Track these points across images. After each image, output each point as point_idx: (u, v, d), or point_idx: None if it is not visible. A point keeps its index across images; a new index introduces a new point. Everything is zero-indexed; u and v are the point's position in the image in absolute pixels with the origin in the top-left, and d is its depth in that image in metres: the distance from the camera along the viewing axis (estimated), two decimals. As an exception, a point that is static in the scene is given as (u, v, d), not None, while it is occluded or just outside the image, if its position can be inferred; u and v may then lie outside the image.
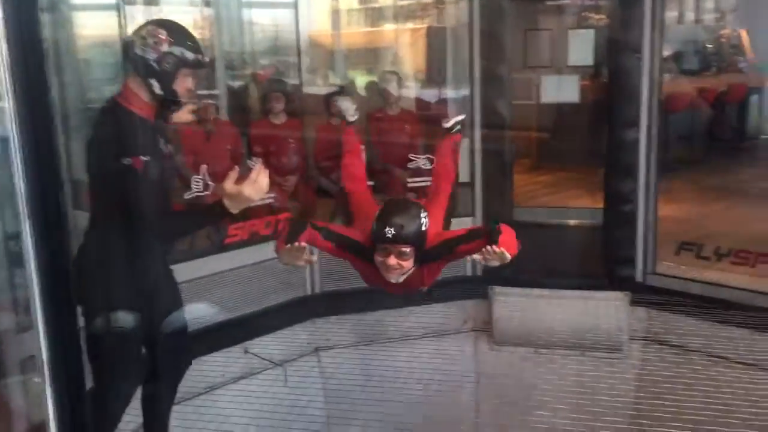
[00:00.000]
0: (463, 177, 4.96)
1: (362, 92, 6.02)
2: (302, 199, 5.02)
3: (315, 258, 2.70)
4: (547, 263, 4.62)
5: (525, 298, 4.62)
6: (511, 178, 4.93)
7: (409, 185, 5.02)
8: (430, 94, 5.96)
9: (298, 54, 5.07)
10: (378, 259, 2.49)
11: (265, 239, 4.36)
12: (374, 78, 6.04)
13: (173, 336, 2.58)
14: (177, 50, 2.40)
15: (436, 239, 2.58)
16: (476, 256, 2.42)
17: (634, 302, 4.45)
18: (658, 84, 4.51)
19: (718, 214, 5.28)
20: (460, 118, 3.66)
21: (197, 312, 3.84)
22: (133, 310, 2.42)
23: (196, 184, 4.26)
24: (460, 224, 4.87)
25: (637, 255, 4.63)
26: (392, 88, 5.25)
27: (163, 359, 2.56)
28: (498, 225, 2.50)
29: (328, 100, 5.33)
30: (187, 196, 4.24)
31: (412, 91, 6.18)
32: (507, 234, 2.46)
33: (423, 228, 2.46)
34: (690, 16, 6.52)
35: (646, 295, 4.53)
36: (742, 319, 4.17)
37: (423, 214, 2.50)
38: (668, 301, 4.45)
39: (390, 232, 2.39)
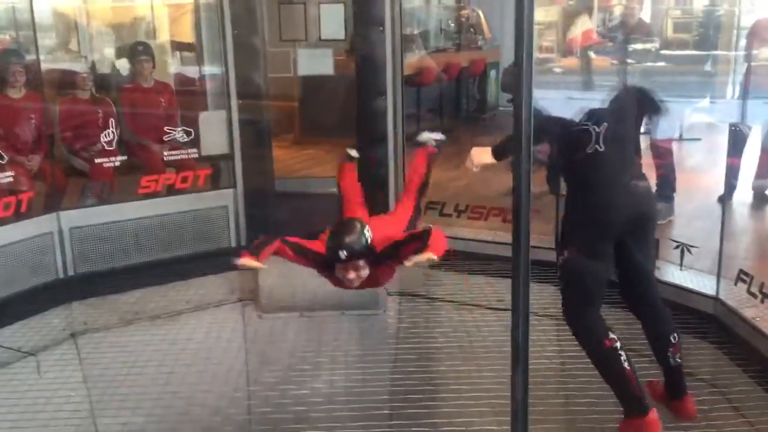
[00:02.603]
0: (223, 149, 4.99)
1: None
2: (48, 178, 4.69)
3: None
4: (309, 229, 4.78)
5: (289, 265, 4.74)
6: (270, 149, 5.01)
7: (167, 159, 4.92)
8: (190, 69, 5.86)
9: (33, 27, 4.65)
10: (338, 274, 2.87)
11: (5, 221, 4.05)
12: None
13: None
14: None
15: (386, 242, 2.88)
16: (407, 263, 2.72)
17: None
18: (400, 57, 4.85)
19: (460, 177, 5.83)
20: (438, 137, 3.78)
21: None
22: None
23: None
24: (221, 196, 4.95)
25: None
26: (146, 61, 5.12)
27: None
28: (429, 230, 2.82)
29: (72, 73, 5.04)
30: None
31: (171, 66, 6.05)
32: (436, 238, 2.74)
33: (368, 241, 2.81)
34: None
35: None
36: (479, 267, 4.70)
37: (365, 229, 2.85)
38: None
39: (343, 254, 2.76)
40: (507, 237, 4.26)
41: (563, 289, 2.94)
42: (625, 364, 2.69)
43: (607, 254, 2.82)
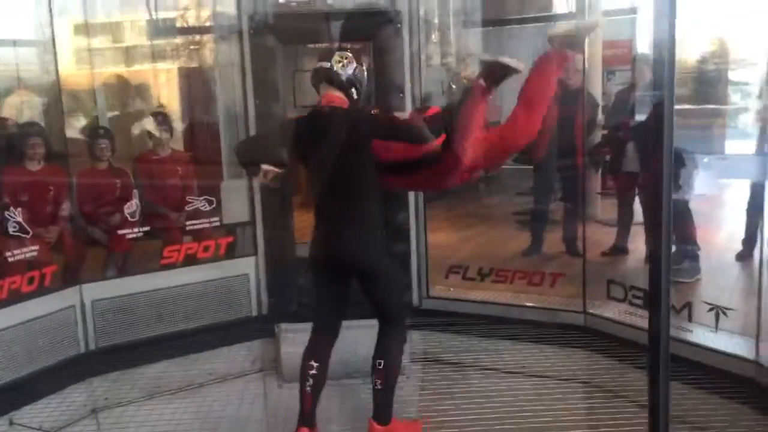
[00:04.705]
0: (243, 216, 4.97)
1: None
2: (68, 250, 4.64)
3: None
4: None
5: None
6: (291, 215, 5.00)
7: (188, 228, 4.89)
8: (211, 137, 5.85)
9: (59, 94, 4.66)
10: None
11: (28, 296, 3.98)
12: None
13: None
14: None
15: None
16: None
17: (412, 326, 4.71)
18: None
19: (474, 238, 5.83)
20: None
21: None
22: None
23: None
24: (242, 264, 4.90)
25: (413, 281, 4.94)
26: (157, 129, 5.15)
27: None
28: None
29: (91, 142, 5.03)
30: None
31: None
32: None
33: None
34: (437, 59, 7.20)
35: (424, 318, 4.84)
36: (509, 332, 4.65)
37: None
38: (443, 322, 4.80)
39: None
40: (533, 300, 4.19)
41: None
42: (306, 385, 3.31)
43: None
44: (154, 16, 5.68)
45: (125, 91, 6.22)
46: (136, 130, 5.68)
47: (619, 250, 5.31)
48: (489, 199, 7.12)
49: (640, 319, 4.28)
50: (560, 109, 5.10)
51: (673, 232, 4.75)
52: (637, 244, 5.18)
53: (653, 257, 1.50)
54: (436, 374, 4.30)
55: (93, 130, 5.13)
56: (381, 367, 3.33)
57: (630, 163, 5.00)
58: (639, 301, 4.34)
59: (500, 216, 6.30)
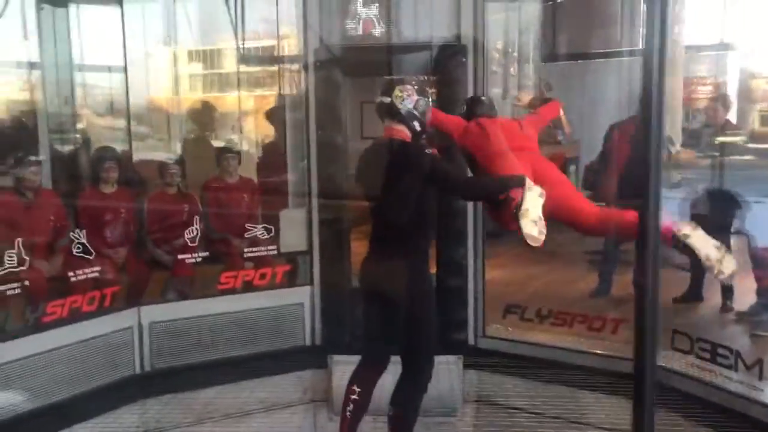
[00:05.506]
0: (301, 246, 5.00)
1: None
2: (133, 272, 4.79)
3: None
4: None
5: (364, 366, 4.63)
6: (348, 246, 4.98)
7: (246, 255, 4.96)
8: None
9: (128, 119, 4.87)
10: None
11: (88, 316, 4.12)
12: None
13: None
14: None
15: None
16: None
17: (466, 365, 4.59)
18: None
19: (541, 276, 5.63)
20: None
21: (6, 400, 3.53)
22: None
23: (9, 258, 3.95)
24: (298, 293, 4.92)
25: (469, 319, 4.82)
26: (232, 158, 5.28)
27: None
28: None
29: (162, 167, 5.21)
30: None
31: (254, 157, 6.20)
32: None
33: None
34: (513, 92, 7.11)
35: (478, 357, 4.71)
36: (565, 378, 4.45)
37: None
38: (498, 363, 4.66)
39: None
40: (592, 345, 4.00)
41: None
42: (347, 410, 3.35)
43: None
44: (239, 45, 5.89)
45: (207, 116, 6.47)
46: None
47: (693, 296, 5.01)
48: (560, 235, 6.89)
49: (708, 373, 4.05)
50: (633, 146, 4.91)
51: (754, 281, 4.50)
52: (713, 293, 4.89)
53: (637, 282, 1.42)
54: (487, 417, 4.17)
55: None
56: (397, 416, 3.38)
57: (699, 206, 4.73)
58: (707, 354, 4.07)
59: (570, 254, 6.08)
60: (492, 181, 3.42)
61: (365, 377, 3.41)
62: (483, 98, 4.20)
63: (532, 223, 3.08)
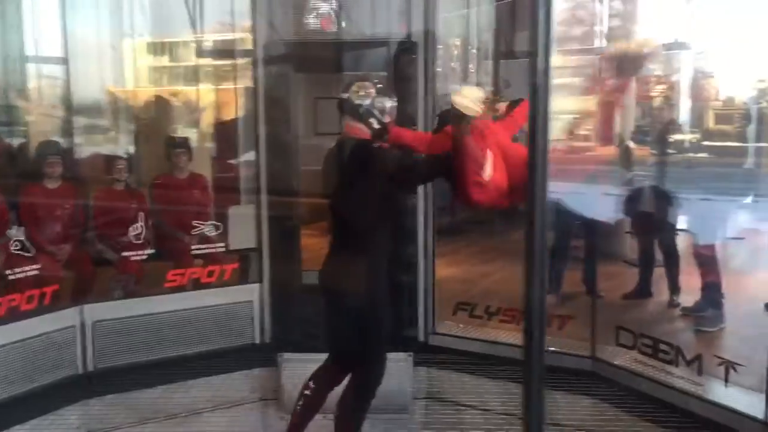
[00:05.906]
0: (250, 243, 4.95)
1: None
2: (78, 269, 4.69)
3: None
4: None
5: (314, 364, 4.60)
6: (299, 243, 4.95)
7: (194, 253, 4.89)
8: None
9: (69, 111, 4.76)
10: None
11: (27, 315, 4.02)
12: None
13: None
14: None
15: None
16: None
17: (417, 362, 4.58)
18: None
19: (490, 274, 5.67)
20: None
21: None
22: None
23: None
24: (247, 291, 4.86)
25: (419, 316, 4.83)
26: (182, 153, 5.18)
27: None
28: None
29: (109, 162, 5.10)
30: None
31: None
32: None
33: None
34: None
35: (428, 354, 4.71)
36: (514, 374, 4.47)
37: None
38: (448, 360, 4.67)
39: None
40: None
41: None
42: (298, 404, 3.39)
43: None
44: (195, 37, 5.79)
45: (160, 110, 6.33)
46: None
47: (642, 293, 5.09)
48: (516, 233, 6.94)
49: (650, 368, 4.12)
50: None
51: (699, 278, 4.58)
52: (663, 288, 4.96)
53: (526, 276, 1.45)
54: (437, 414, 4.18)
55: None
56: (341, 418, 3.34)
57: (645, 203, 4.80)
58: (649, 350, 4.13)
59: (522, 252, 6.12)
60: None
61: (320, 376, 3.41)
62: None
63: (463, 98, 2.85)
